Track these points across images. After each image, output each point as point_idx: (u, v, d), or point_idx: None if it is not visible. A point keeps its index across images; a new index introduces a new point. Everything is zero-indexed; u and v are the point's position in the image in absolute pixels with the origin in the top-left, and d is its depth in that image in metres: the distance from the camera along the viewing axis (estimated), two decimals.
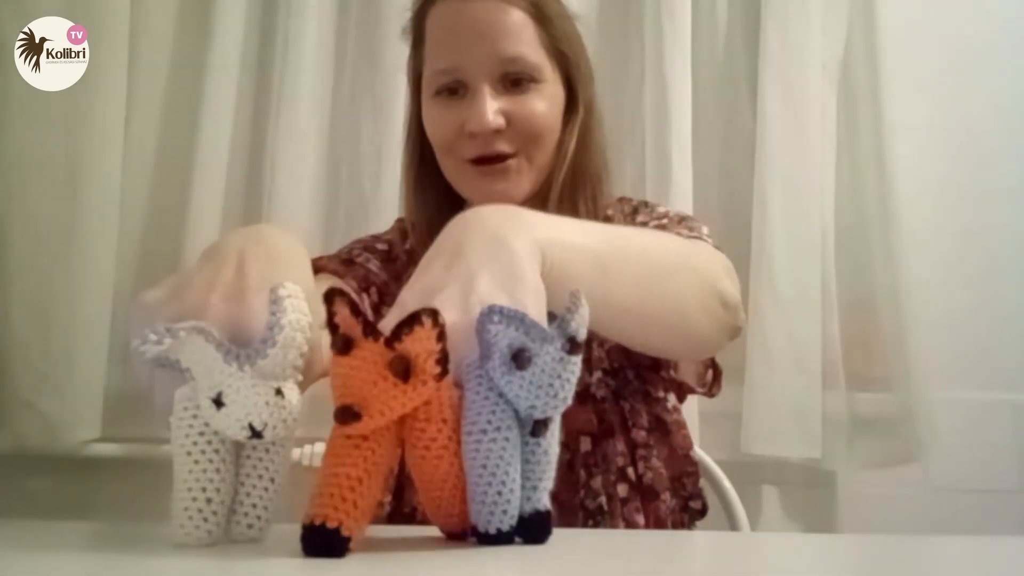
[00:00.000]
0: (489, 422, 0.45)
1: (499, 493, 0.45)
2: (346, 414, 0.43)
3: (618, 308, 0.62)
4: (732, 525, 0.98)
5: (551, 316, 0.51)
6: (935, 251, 1.41)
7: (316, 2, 1.36)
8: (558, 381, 0.46)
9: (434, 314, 0.43)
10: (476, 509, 0.46)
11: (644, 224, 0.85)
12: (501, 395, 0.46)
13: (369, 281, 0.85)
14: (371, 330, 0.44)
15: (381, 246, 0.91)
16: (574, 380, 0.47)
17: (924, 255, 1.37)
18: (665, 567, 0.50)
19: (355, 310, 0.44)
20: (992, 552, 0.56)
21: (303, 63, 1.35)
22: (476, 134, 0.80)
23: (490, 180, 0.82)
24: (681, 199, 1.30)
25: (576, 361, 0.46)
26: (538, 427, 0.47)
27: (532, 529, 0.48)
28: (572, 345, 0.46)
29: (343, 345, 0.44)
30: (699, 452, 1.01)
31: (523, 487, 0.47)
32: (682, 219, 0.86)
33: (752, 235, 1.34)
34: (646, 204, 0.91)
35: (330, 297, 0.44)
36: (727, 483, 1.00)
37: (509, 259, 0.51)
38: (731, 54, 1.42)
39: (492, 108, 0.79)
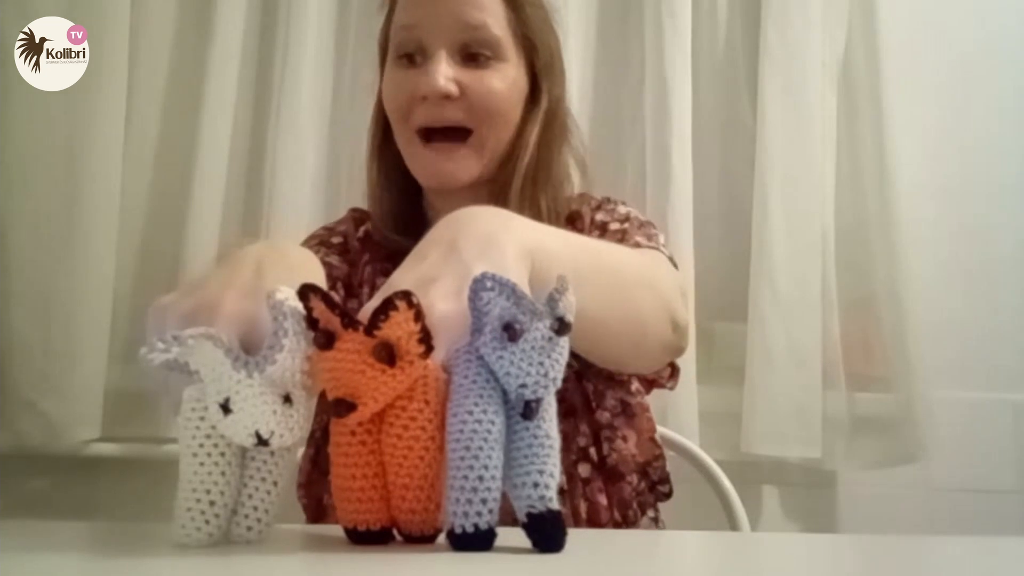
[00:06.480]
0: (476, 404, 0.44)
1: (480, 479, 0.43)
2: (341, 406, 0.44)
3: (585, 318, 0.62)
4: (732, 525, 0.98)
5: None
6: (935, 251, 1.41)
7: (316, 2, 1.36)
8: (548, 360, 0.45)
9: (407, 296, 0.43)
10: (454, 499, 0.43)
11: (604, 223, 0.86)
12: (489, 380, 0.45)
13: (334, 277, 0.84)
14: (351, 321, 0.44)
15: (336, 239, 0.90)
16: (563, 362, 0.46)
17: (924, 255, 1.37)
18: (665, 567, 0.50)
19: (330, 304, 0.44)
20: (992, 552, 0.56)
21: (303, 63, 1.35)
22: (427, 96, 0.80)
23: (436, 158, 0.82)
24: (681, 199, 1.30)
25: (564, 343, 0.46)
26: (529, 409, 0.45)
27: (543, 531, 0.44)
28: (561, 325, 0.45)
29: (325, 340, 0.44)
30: (699, 451, 1.01)
31: (523, 480, 0.44)
32: (642, 224, 0.86)
33: (752, 235, 1.34)
34: (609, 200, 0.91)
35: (304, 294, 0.44)
36: (727, 483, 1.00)
37: (500, 259, 0.52)
38: (731, 54, 1.42)
39: (446, 73, 0.80)
